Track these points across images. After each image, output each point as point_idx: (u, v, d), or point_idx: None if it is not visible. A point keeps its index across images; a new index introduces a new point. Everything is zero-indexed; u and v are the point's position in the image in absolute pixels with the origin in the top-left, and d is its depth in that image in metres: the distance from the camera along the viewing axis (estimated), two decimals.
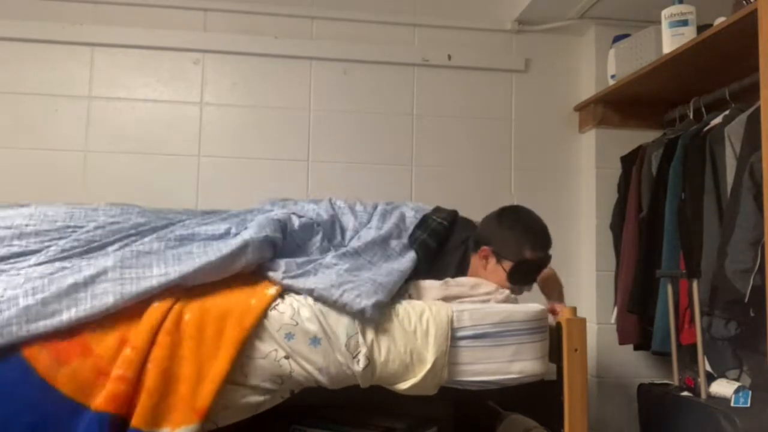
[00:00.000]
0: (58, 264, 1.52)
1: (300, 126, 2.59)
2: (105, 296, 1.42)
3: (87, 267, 1.48)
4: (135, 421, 1.35)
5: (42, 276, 1.47)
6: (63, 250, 1.54)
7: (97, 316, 1.41)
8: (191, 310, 1.45)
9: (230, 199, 2.48)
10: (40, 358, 1.36)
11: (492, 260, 1.79)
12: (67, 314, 1.40)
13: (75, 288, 1.42)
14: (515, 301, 1.70)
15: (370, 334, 1.50)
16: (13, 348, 1.36)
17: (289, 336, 1.47)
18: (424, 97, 2.66)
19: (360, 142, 2.61)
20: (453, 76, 2.68)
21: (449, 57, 2.67)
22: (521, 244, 1.78)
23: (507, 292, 1.71)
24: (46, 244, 1.56)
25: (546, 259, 1.83)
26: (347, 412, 1.75)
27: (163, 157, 2.50)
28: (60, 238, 1.57)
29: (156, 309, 1.43)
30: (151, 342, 1.40)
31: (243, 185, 2.53)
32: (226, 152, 2.54)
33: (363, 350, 1.48)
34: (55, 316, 1.39)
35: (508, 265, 1.77)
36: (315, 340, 1.47)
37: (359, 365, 1.47)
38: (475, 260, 1.83)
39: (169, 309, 1.44)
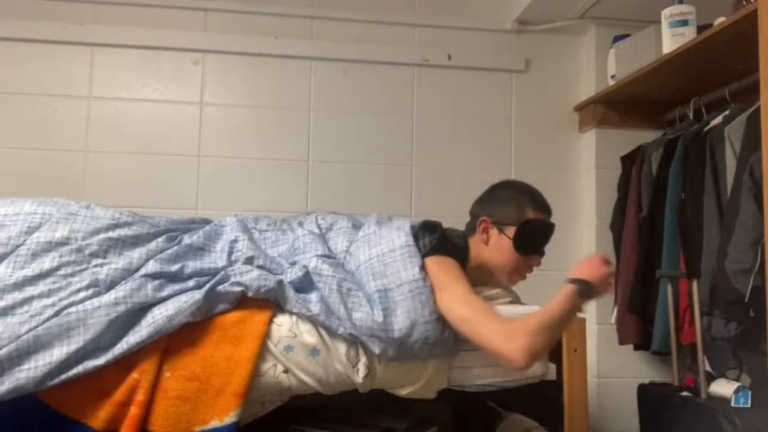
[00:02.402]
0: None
1: (300, 126, 2.59)
2: (96, 360, 1.37)
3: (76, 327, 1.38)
4: (169, 428, 1.35)
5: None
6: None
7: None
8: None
9: (230, 199, 2.49)
10: (53, 397, 1.35)
11: (493, 232, 1.67)
12: (58, 381, 1.35)
13: (64, 365, 1.36)
14: (520, 302, 1.70)
15: None
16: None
17: (288, 348, 1.45)
18: (424, 97, 2.66)
19: (360, 142, 2.61)
20: (453, 76, 2.68)
21: (449, 57, 2.67)
22: (521, 204, 1.67)
23: (513, 295, 1.71)
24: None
25: (550, 222, 1.70)
26: (347, 412, 1.75)
27: (163, 157, 2.50)
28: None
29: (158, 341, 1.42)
30: (160, 361, 1.39)
31: (243, 185, 2.53)
32: (226, 152, 2.54)
33: (363, 359, 1.47)
34: (43, 386, 1.34)
35: (511, 231, 1.64)
36: (314, 352, 1.46)
37: (359, 375, 1.46)
38: (474, 242, 1.70)
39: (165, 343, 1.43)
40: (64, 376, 1.34)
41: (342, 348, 1.47)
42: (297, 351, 1.46)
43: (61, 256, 1.45)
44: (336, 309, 1.47)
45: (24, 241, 1.46)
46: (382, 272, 1.52)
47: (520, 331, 1.40)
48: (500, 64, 2.70)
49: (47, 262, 1.43)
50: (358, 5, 2.65)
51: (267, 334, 1.45)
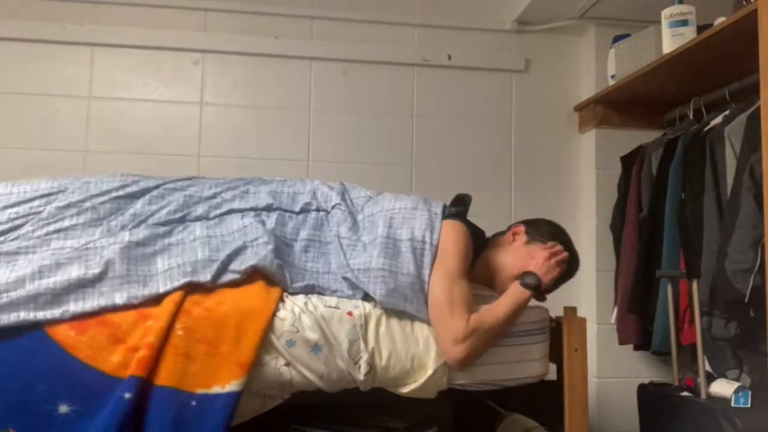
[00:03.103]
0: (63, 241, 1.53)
1: (300, 126, 2.59)
2: (111, 295, 1.44)
3: (93, 257, 1.48)
4: (173, 382, 1.37)
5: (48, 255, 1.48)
6: (69, 226, 1.56)
7: (105, 311, 1.42)
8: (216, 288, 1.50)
9: None
10: (59, 329, 1.39)
11: (521, 238, 1.73)
12: (74, 307, 1.41)
13: (82, 283, 1.43)
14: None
15: (371, 340, 1.49)
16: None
17: (290, 343, 1.46)
18: (424, 97, 2.66)
19: (360, 142, 2.61)
20: (453, 76, 2.68)
21: (449, 57, 2.67)
22: (556, 236, 1.72)
23: None
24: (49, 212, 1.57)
25: (571, 274, 1.72)
26: (347, 412, 1.75)
27: (163, 157, 2.50)
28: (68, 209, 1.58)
29: (174, 295, 1.46)
30: (174, 313, 1.42)
31: None
32: (226, 152, 2.54)
33: (364, 356, 1.47)
34: (62, 306, 1.40)
35: (539, 247, 1.69)
36: (316, 348, 1.46)
37: (360, 372, 1.47)
38: (497, 241, 1.77)
39: (186, 294, 1.47)
40: (81, 303, 1.41)
41: (344, 344, 1.47)
42: (299, 346, 1.46)
43: (78, 214, 1.57)
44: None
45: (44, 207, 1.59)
46: (398, 224, 1.60)
47: (469, 336, 1.47)
48: (500, 64, 2.70)
49: (66, 221, 1.55)
50: (358, 5, 2.65)
51: (275, 311, 1.47)
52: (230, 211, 1.67)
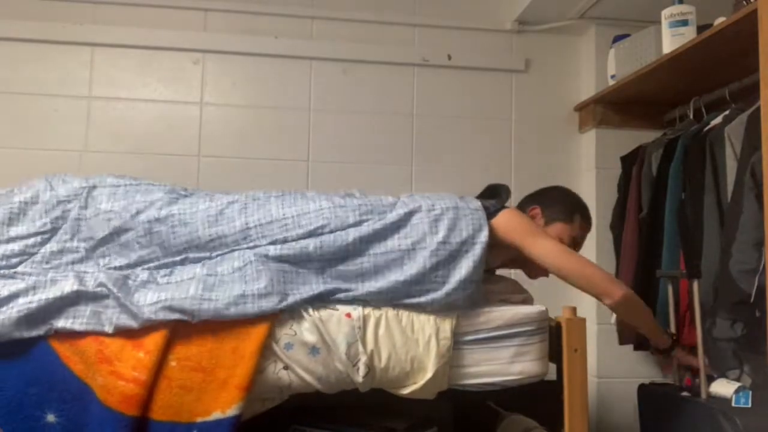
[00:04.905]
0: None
1: (300, 126, 2.59)
2: (101, 319, 1.41)
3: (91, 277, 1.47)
4: (171, 416, 1.36)
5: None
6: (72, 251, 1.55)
7: (92, 333, 1.41)
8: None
9: None
10: (61, 345, 1.39)
11: (540, 221, 1.80)
12: (64, 323, 1.39)
13: (76, 299, 1.41)
14: (531, 302, 1.70)
15: (370, 342, 1.49)
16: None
17: (288, 346, 1.45)
18: (424, 97, 2.66)
19: (360, 142, 2.61)
20: (453, 76, 2.68)
21: (449, 57, 2.67)
22: (573, 209, 1.82)
23: (526, 294, 1.71)
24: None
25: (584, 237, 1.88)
26: (347, 412, 1.75)
27: (163, 157, 2.50)
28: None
29: (165, 326, 1.43)
30: (165, 345, 1.39)
31: (243, 185, 2.50)
32: (226, 152, 2.54)
33: (363, 359, 1.47)
34: (52, 324, 1.39)
35: (557, 227, 1.79)
36: (314, 350, 1.46)
37: (359, 373, 1.46)
38: None
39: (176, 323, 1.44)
40: (71, 321, 1.39)
41: (342, 347, 1.46)
42: (297, 349, 1.46)
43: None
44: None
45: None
46: (444, 226, 1.57)
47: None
48: (500, 64, 2.70)
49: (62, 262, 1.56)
50: (358, 5, 2.65)
51: (271, 329, 1.45)
52: (233, 250, 1.55)
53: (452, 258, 1.53)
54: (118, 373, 1.36)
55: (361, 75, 2.63)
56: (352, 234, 1.53)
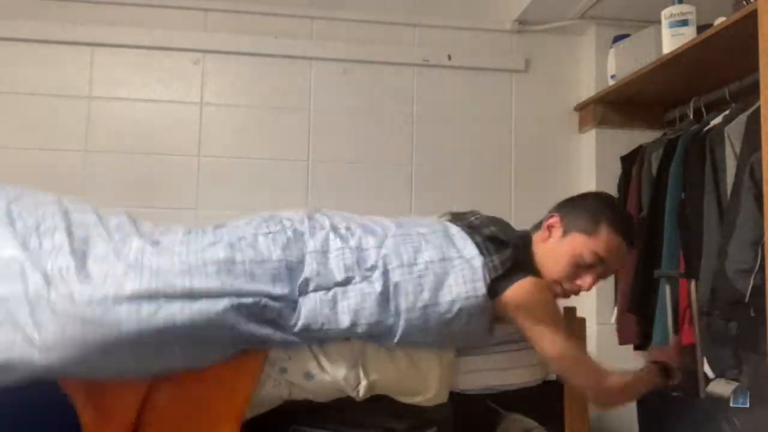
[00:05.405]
0: None
1: (300, 126, 2.59)
2: None
3: None
4: None
5: None
6: None
7: None
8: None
9: (230, 199, 2.49)
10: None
11: (557, 233, 1.52)
12: None
13: None
14: None
15: (373, 371, 1.45)
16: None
17: (282, 371, 1.42)
18: (424, 97, 2.66)
19: (360, 142, 2.61)
20: (453, 76, 2.68)
21: (449, 57, 2.67)
22: (599, 218, 1.50)
23: None
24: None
25: (631, 236, 1.55)
26: (347, 412, 1.74)
27: (163, 157, 2.50)
28: None
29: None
30: (155, 385, 1.35)
31: (243, 185, 2.53)
32: (226, 152, 2.54)
33: (364, 383, 1.44)
34: None
35: (575, 238, 1.50)
36: (309, 376, 1.43)
37: (359, 394, 1.45)
38: (535, 239, 1.57)
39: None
40: None
41: (341, 373, 1.43)
42: (291, 373, 1.43)
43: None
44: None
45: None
46: (432, 285, 1.39)
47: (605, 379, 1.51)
48: (500, 64, 2.70)
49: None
50: (358, 5, 2.65)
51: (266, 356, 1.41)
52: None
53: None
54: (108, 417, 1.31)
55: (361, 75, 2.63)
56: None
